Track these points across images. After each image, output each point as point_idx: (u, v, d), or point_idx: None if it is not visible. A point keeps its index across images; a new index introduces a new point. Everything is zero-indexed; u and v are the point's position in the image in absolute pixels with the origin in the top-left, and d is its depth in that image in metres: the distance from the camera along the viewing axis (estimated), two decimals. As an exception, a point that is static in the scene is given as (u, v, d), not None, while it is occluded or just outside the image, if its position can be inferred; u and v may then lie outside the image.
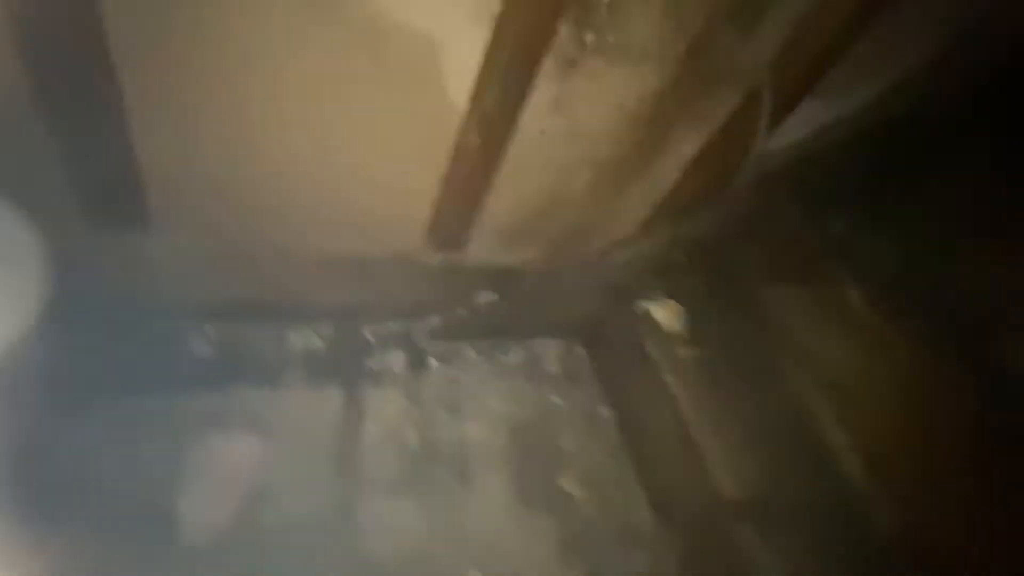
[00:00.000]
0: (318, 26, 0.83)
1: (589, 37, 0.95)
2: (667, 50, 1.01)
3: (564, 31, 0.91)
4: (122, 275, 1.05)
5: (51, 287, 0.83)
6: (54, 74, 0.75)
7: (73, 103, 0.79)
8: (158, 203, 0.96)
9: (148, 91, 0.82)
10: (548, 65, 0.96)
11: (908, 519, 1.09)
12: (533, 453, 1.31)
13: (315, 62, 0.88)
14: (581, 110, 1.08)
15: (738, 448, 1.15)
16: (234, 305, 1.18)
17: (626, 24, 0.94)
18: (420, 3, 0.83)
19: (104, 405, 1.00)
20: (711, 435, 1.17)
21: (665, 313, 1.34)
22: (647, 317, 1.35)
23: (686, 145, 1.23)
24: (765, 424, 1.19)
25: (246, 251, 1.11)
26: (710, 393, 1.23)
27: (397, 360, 1.30)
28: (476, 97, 0.97)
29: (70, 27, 0.71)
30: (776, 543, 1.07)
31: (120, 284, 1.06)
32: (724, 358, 1.28)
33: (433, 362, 1.34)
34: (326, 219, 1.13)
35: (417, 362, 1.32)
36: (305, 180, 1.05)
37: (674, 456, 1.23)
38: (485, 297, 1.37)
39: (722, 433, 1.17)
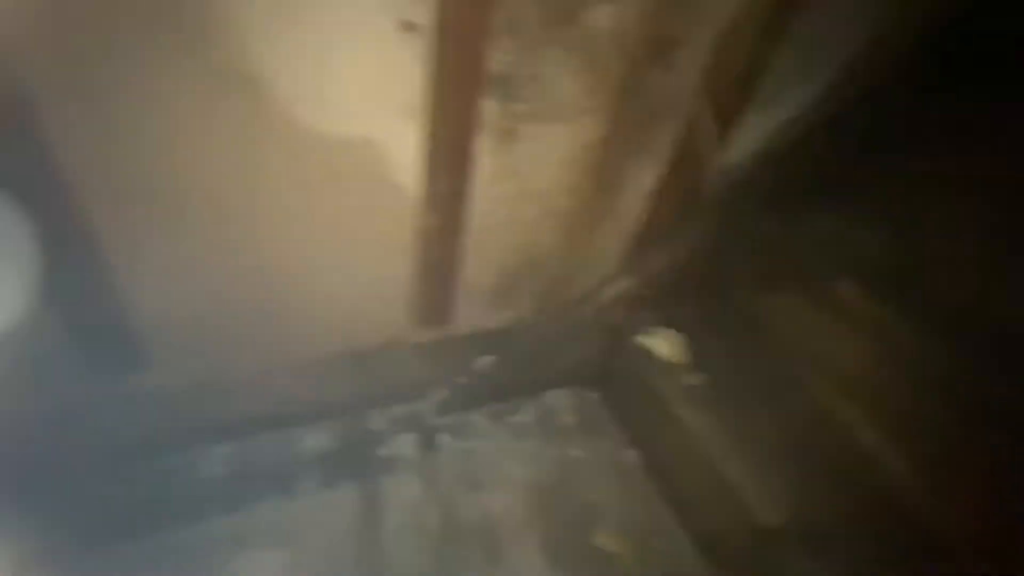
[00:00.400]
0: (270, 153, 0.91)
1: (519, 107, 1.01)
2: (596, 101, 1.06)
3: (491, 108, 0.97)
4: (130, 416, 1.10)
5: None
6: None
7: (61, 270, 0.87)
8: (153, 341, 1.02)
9: (128, 242, 0.90)
10: (485, 139, 1.01)
11: (963, 510, 1.00)
12: (562, 514, 1.26)
13: (274, 183, 0.95)
14: (530, 170, 1.12)
15: (767, 470, 1.09)
16: (240, 422, 1.21)
17: (550, 89, 1.00)
18: (351, 115, 0.90)
19: (127, 546, 1.03)
20: (736, 462, 1.12)
21: (664, 343, 1.32)
22: (647, 351, 1.33)
23: (643, 178, 1.26)
24: (790, 440, 1.13)
25: (242, 370, 1.16)
26: (725, 418, 1.19)
27: (407, 443, 1.30)
28: (425, 183, 1.02)
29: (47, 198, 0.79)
30: (828, 562, 1.00)
31: (128, 425, 1.12)
32: (733, 379, 1.24)
33: (445, 438, 1.33)
34: (316, 323, 1.17)
35: (428, 441, 1.32)
36: (288, 289, 1.11)
37: (705, 491, 1.17)
38: (483, 361, 1.37)
39: (747, 458, 1.12)
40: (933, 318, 1.11)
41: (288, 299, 1.12)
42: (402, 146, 0.97)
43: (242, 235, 0.99)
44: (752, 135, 1.31)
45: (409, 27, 0.82)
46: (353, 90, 0.87)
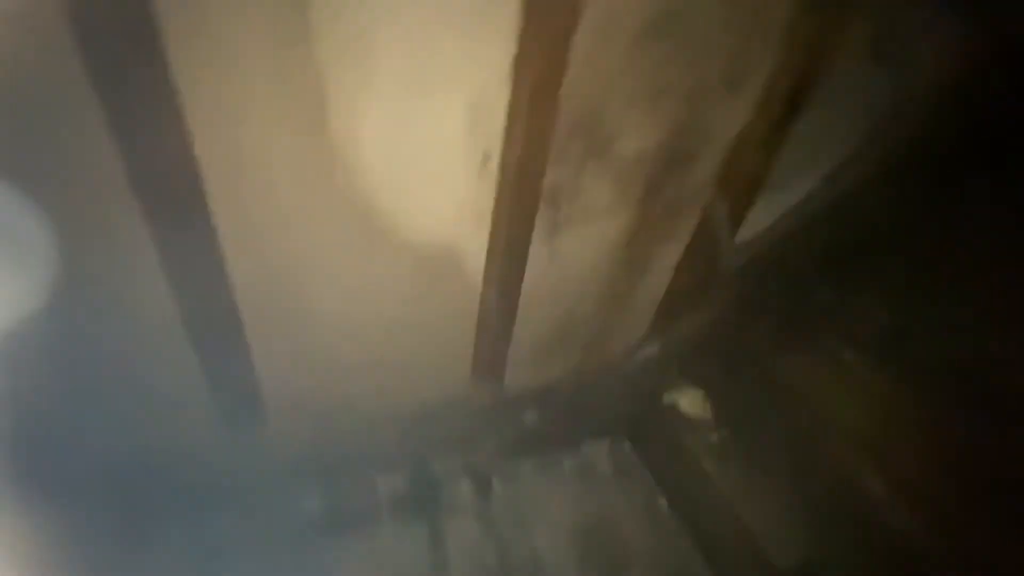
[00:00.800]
0: (373, 254, 1.17)
1: (564, 209, 1.25)
2: (627, 200, 1.30)
3: (543, 213, 1.21)
4: (251, 458, 1.34)
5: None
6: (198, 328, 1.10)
7: (214, 346, 1.13)
8: (270, 400, 1.27)
9: (263, 324, 1.16)
10: (538, 234, 1.25)
11: (959, 553, 1.13)
12: (601, 554, 1.42)
13: (374, 271, 1.20)
14: (574, 256, 1.36)
15: (782, 518, 1.24)
16: (333, 464, 1.44)
17: (589, 197, 1.24)
18: (438, 223, 1.16)
19: (242, 561, 1.24)
20: (755, 510, 1.27)
21: (690, 401, 1.50)
22: (674, 408, 1.51)
23: (668, 258, 1.48)
24: (806, 489, 1.28)
25: (336, 419, 1.39)
26: (745, 470, 1.34)
27: (466, 489, 1.49)
28: (488, 268, 1.26)
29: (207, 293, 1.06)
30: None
31: (250, 465, 1.35)
32: (754, 434, 1.40)
33: (497, 484, 1.52)
34: (392, 381, 1.40)
35: (484, 487, 1.51)
36: (373, 357, 1.35)
37: (729, 536, 1.31)
38: (530, 416, 1.57)
39: (765, 506, 1.27)
40: (929, 379, 1.27)
41: (373, 362, 1.35)
42: (474, 243, 1.22)
43: (342, 312, 1.25)
44: (763, 217, 1.53)
45: (487, 158, 1.08)
46: (441, 205, 1.13)
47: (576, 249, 1.34)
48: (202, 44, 0.81)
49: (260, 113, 0.92)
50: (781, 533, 1.21)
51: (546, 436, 1.63)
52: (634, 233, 1.37)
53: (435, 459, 1.51)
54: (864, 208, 1.55)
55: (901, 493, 1.23)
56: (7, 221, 0.76)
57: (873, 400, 1.34)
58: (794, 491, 1.27)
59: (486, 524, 1.42)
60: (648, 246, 1.42)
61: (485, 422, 1.55)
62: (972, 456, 1.19)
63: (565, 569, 1.36)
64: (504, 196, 1.13)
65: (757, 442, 1.38)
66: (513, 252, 1.24)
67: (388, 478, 1.46)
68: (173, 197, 0.92)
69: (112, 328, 1.06)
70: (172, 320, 1.07)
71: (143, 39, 0.75)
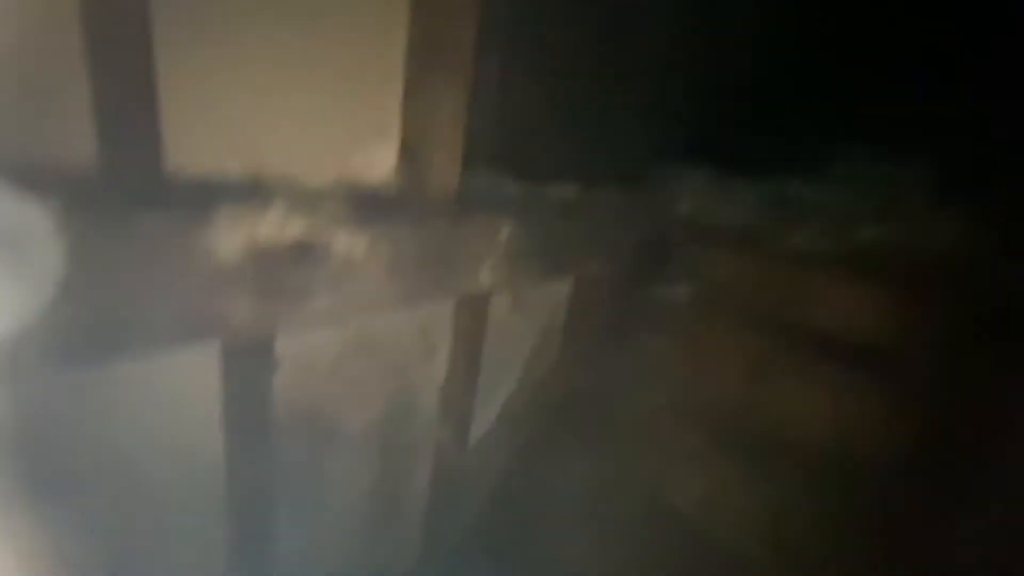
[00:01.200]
0: None
1: (302, 485, 1.40)
2: (368, 456, 1.52)
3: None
4: None
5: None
6: None
7: None
8: None
9: None
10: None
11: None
12: None
13: None
14: (322, 505, 1.49)
15: None
16: None
17: (332, 468, 1.43)
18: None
19: None
20: None
21: None
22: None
23: (418, 482, 1.73)
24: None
25: None
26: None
27: None
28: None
29: None
30: None
31: None
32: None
33: None
34: None
35: None
36: None
37: None
38: None
39: None
40: (622, 531, 1.73)
41: None
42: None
43: None
44: (483, 423, 1.93)
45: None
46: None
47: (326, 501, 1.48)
48: None
49: None
50: None
51: None
52: (381, 477, 1.59)
53: None
54: (552, 392, 2.10)
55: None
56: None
57: (595, 546, 1.74)
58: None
59: None
60: (396, 481, 1.66)
61: None
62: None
63: None
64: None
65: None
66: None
67: None
68: None
69: None
70: None
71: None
